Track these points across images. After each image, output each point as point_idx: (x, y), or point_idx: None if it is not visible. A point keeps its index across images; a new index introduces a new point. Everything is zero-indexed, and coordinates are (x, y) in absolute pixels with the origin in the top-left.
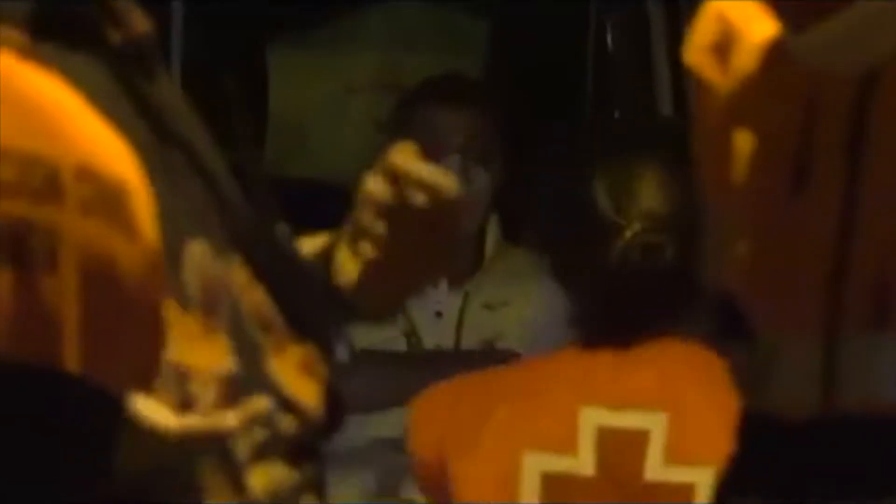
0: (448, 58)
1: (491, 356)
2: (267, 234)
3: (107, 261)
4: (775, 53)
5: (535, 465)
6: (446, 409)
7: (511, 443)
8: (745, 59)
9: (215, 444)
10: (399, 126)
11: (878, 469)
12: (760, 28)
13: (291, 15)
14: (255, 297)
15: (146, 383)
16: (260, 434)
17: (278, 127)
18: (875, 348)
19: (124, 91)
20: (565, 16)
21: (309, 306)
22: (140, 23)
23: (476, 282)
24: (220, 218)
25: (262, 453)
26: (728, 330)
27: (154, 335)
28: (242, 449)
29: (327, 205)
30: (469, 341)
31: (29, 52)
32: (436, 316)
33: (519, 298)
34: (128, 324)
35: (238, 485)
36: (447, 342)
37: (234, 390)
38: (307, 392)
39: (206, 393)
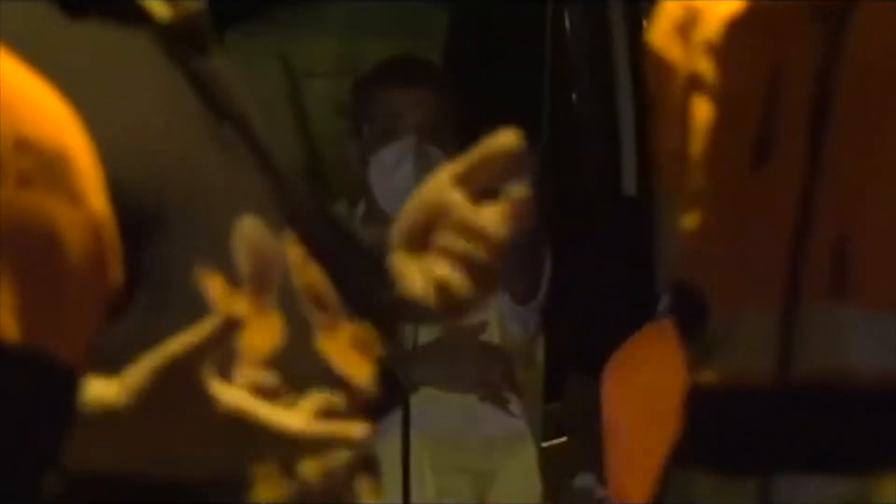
0: (407, 44)
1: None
2: (322, 211)
3: (48, 229)
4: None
5: None
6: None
7: None
8: (709, 32)
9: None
10: (356, 110)
11: (839, 438)
12: (724, 5)
13: (250, 1)
14: (309, 275)
15: (94, 355)
16: (310, 412)
17: None
18: (833, 318)
19: (177, 68)
20: (524, 1)
21: (365, 285)
22: (191, 1)
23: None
24: (273, 194)
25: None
26: (682, 304)
27: (102, 304)
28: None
29: None
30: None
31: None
32: None
33: None
34: (74, 292)
35: (290, 468)
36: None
37: (283, 368)
38: (359, 370)
39: (256, 372)
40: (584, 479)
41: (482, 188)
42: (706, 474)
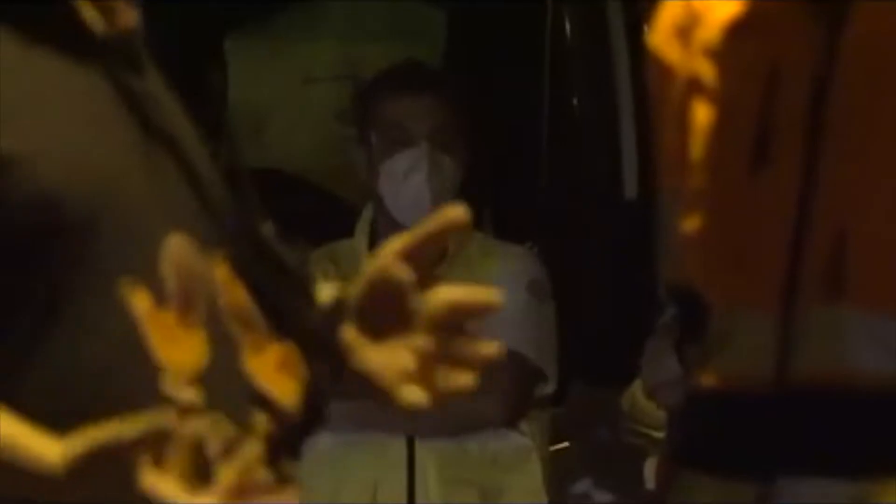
0: (406, 48)
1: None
2: (250, 231)
3: None
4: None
5: None
6: None
7: None
8: (708, 34)
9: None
10: (364, 117)
11: (838, 441)
12: (723, 8)
13: (250, 5)
14: (236, 295)
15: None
16: (231, 431)
17: (237, 118)
18: (832, 320)
19: (111, 85)
20: (523, 4)
21: (291, 306)
22: (127, 17)
23: (441, 271)
24: (203, 214)
25: (233, 450)
26: (682, 307)
27: None
28: (213, 445)
29: (285, 195)
30: None
31: None
32: None
33: (479, 286)
34: None
35: (207, 482)
36: None
37: (208, 386)
38: (285, 390)
39: (179, 389)
40: (583, 485)
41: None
42: (706, 477)
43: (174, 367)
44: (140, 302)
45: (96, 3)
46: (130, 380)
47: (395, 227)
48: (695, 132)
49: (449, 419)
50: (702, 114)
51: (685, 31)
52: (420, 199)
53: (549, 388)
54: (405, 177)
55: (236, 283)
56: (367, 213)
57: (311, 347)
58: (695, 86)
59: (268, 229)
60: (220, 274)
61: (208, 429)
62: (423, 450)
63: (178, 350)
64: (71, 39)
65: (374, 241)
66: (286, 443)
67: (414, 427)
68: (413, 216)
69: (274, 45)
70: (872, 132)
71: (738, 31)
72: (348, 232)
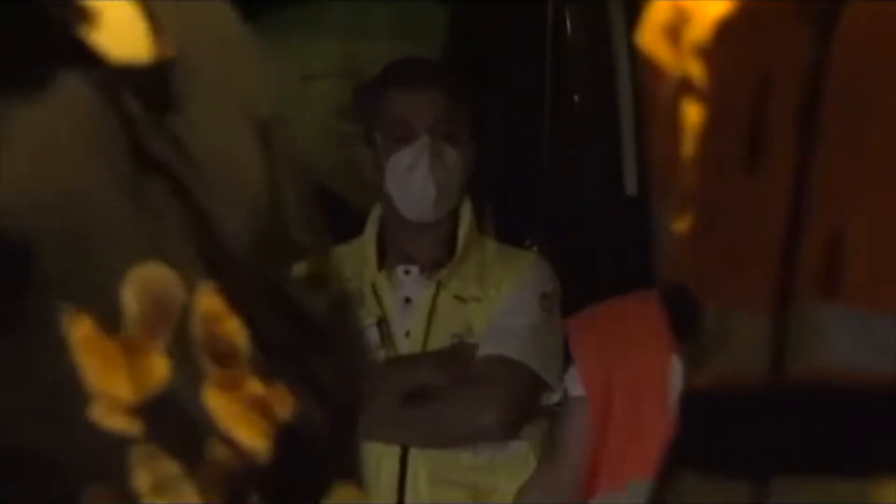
0: (407, 45)
1: (461, 353)
2: (264, 269)
3: None
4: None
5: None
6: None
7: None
8: (698, 34)
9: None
10: (366, 116)
11: (833, 441)
12: (713, 7)
13: (250, 2)
14: (219, 328)
15: None
16: (167, 468)
17: None
18: (826, 319)
19: (112, 111)
20: (524, 1)
21: (295, 347)
22: (161, 47)
23: (449, 272)
24: (196, 243)
25: (166, 487)
26: (676, 307)
27: None
28: (141, 479)
29: None
30: (439, 332)
31: None
32: (405, 302)
33: (490, 296)
34: None
35: None
36: (417, 329)
37: (153, 418)
38: (250, 432)
39: (111, 418)
40: None
41: None
42: (700, 478)
43: (110, 395)
44: (80, 328)
45: (121, 29)
46: (68, 407)
47: (404, 224)
48: (686, 132)
49: (446, 432)
50: (693, 113)
51: (674, 30)
52: (425, 194)
53: (553, 399)
54: (409, 172)
55: (226, 316)
56: (375, 213)
57: (315, 393)
58: (685, 85)
59: (287, 271)
60: (206, 305)
61: (138, 462)
62: (415, 451)
63: (121, 379)
64: (64, 67)
65: (382, 241)
66: (247, 487)
67: (410, 439)
68: (420, 211)
69: (275, 42)
70: (865, 132)
71: (727, 30)
72: (351, 230)
